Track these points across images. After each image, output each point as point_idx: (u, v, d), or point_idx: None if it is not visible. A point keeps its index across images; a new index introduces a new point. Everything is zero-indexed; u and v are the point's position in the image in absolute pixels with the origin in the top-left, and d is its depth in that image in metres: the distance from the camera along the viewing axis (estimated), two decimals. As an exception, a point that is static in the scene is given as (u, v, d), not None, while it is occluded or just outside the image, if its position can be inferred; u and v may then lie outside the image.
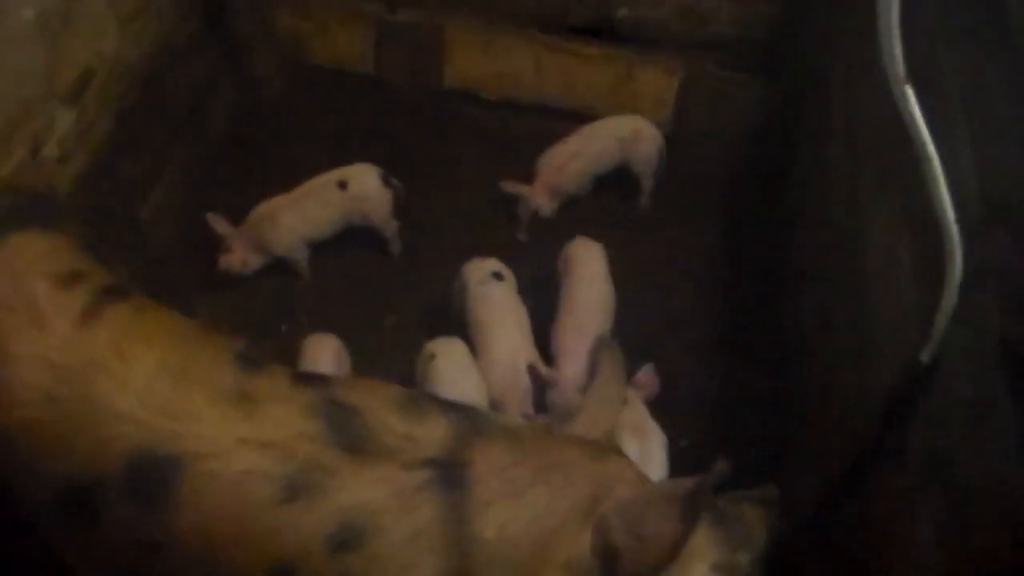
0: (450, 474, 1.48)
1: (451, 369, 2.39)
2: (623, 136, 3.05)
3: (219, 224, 2.79)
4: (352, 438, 1.49)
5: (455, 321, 2.66)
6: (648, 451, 2.27)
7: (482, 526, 1.46)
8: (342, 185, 2.85)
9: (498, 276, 2.65)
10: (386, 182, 2.90)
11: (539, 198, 3.01)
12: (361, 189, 2.87)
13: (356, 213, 2.89)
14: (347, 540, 1.43)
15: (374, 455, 1.48)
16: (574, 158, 3.03)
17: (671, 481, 1.56)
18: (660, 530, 1.50)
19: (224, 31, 3.10)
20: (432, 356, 2.42)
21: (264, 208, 2.84)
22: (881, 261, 1.92)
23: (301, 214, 2.83)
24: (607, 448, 1.67)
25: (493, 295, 2.60)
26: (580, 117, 3.22)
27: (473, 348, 2.53)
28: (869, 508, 1.65)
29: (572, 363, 2.47)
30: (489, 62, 3.30)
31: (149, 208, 2.80)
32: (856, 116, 2.33)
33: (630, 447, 2.20)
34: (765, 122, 3.18)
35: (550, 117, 3.31)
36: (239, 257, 2.83)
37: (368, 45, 3.37)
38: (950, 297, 1.41)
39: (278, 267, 2.90)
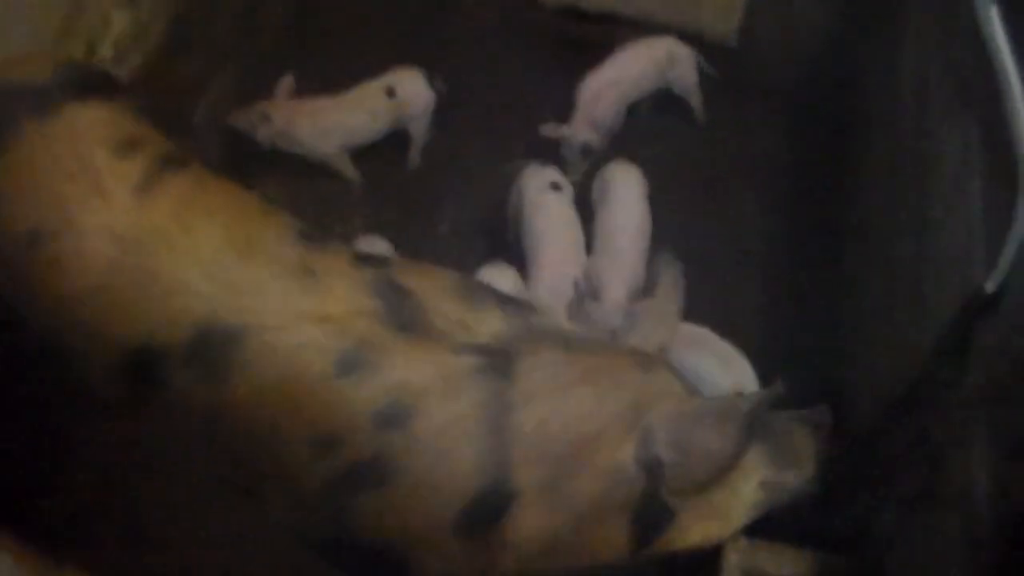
0: (498, 362, 1.51)
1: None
2: (659, 59, 2.95)
3: (253, 111, 2.76)
4: (406, 318, 1.52)
5: (509, 229, 2.66)
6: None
7: (524, 418, 1.49)
8: (390, 93, 2.82)
9: (556, 187, 2.63)
10: (431, 85, 2.87)
11: (583, 133, 2.88)
12: (409, 95, 2.83)
13: (402, 119, 2.86)
14: (392, 417, 1.47)
15: (426, 337, 1.51)
16: (612, 86, 2.92)
17: (723, 397, 1.56)
18: (708, 447, 1.51)
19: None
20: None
21: (290, 108, 2.78)
22: (950, 184, 1.88)
23: (345, 121, 2.80)
24: (657, 361, 1.68)
25: (550, 205, 2.59)
26: (642, 25, 3.14)
27: (525, 256, 2.53)
28: (922, 436, 1.63)
29: (613, 290, 2.45)
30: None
31: (203, 112, 2.80)
32: (934, 26, 2.25)
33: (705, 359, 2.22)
34: (838, 31, 3.09)
35: (611, 24, 3.21)
36: (276, 126, 2.77)
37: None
38: (1020, 226, 1.37)
39: (328, 170, 2.89)
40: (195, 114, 2.77)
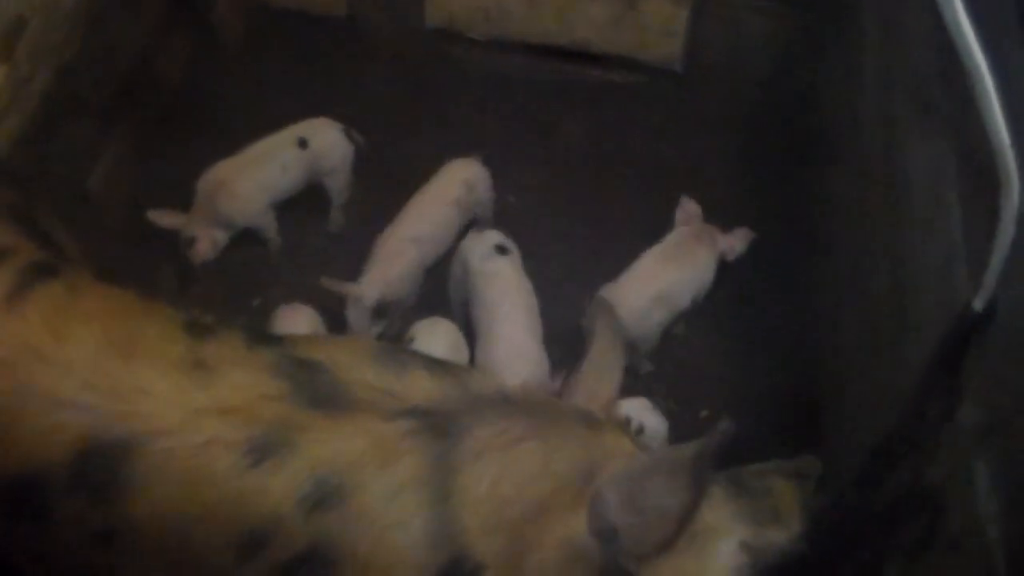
0: (435, 423, 1.48)
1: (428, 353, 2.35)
2: (459, 197, 2.80)
3: (165, 218, 2.72)
4: (321, 394, 1.48)
5: (453, 300, 2.65)
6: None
7: (472, 480, 1.45)
8: (302, 144, 2.80)
9: (502, 249, 2.60)
10: (349, 137, 2.87)
11: (374, 291, 2.62)
12: (322, 146, 2.83)
13: (318, 173, 2.85)
14: (323, 498, 1.42)
15: (348, 409, 1.47)
16: (412, 243, 2.71)
17: (669, 448, 1.54)
18: (661, 503, 1.48)
19: (175, -29, 3.05)
20: (411, 339, 2.41)
21: (213, 176, 2.75)
22: (924, 199, 1.89)
23: (258, 180, 2.76)
24: (602, 419, 1.66)
25: (501, 272, 2.55)
26: (578, 56, 3.17)
27: (475, 326, 2.51)
28: (921, 479, 1.62)
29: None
30: (475, -4, 3.24)
31: (99, 175, 2.76)
32: (892, 39, 2.30)
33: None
34: (787, 54, 3.14)
35: (544, 57, 3.26)
36: (206, 242, 2.75)
37: (340, -16, 3.31)
38: (1006, 234, 1.38)
39: (245, 237, 2.86)
40: (90, 178, 2.73)
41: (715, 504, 1.61)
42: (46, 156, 2.49)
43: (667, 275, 2.59)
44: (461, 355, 2.44)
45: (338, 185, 2.90)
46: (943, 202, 1.77)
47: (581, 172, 3.05)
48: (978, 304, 1.47)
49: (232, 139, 2.88)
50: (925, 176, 1.91)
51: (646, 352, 2.62)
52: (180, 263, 2.78)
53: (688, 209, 2.71)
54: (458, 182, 2.79)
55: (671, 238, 2.68)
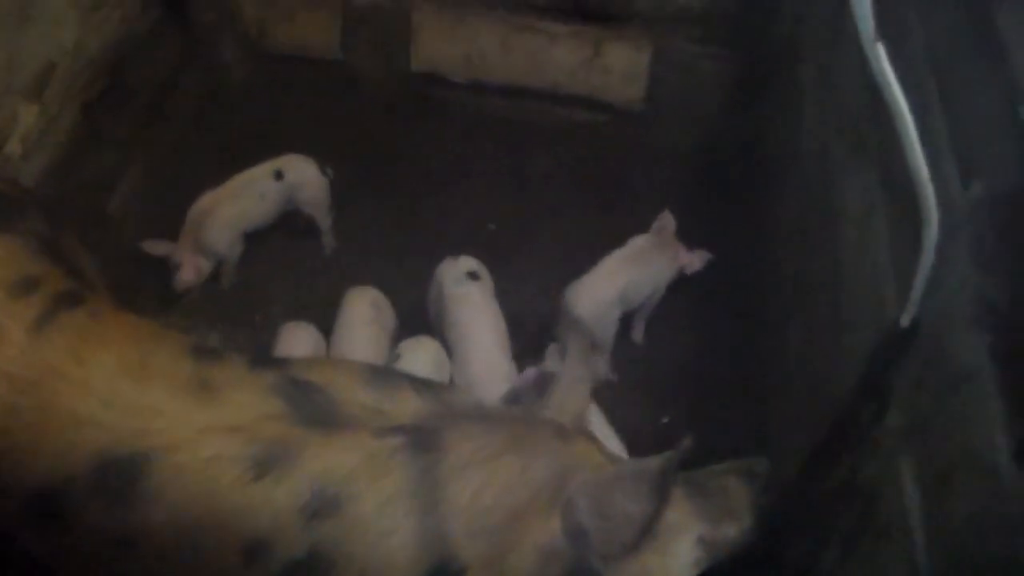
0: (421, 438, 1.48)
1: (414, 369, 2.35)
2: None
3: (157, 247, 2.73)
4: (318, 413, 1.48)
5: (432, 321, 2.64)
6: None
7: (457, 491, 1.45)
8: (278, 176, 2.83)
9: (473, 276, 2.61)
10: (322, 171, 2.89)
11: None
12: (297, 179, 2.85)
13: (292, 203, 2.88)
14: (321, 508, 1.42)
15: (342, 427, 1.47)
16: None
17: (638, 460, 1.55)
18: (628, 509, 1.49)
19: (187, 19, 3.06)
20: (397, 356, 2.41)
21: (200, 206, 2.78)
22: (856, 227, 1.92)
23: (238, 208, 2.79)
24: (574, 431, 1.67)
25: (470, 296, 2.57)
26: (548, 96, 3.20)
27: (449, 348, 2.51)
28: (855, 474, 1.64)
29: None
30: (456, 44, 3.27)
31: (117, 202, 2.77)
32: (827, 83, 2.33)
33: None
34: (737, 95, 3.17)
35: (518, 98, 3.29)
36: (191, 269, 2.76)
37: (334, 31, 3.33)
38: (927, 259, 1.41)
39: (249, 257, 2.87)
40: (109, 204, 2.73)
41: (675, 504, 1.61)
42: (71, 186, 2.50)
43: (628, 274, 2.61)
44: (444, 370, 2.45)
45: (319, 214, 2.93)
46: (872, 229, 1.79)
47: (551, 201, 3.08)
48: (904, 320, 1.50)
49: (236, 169, 2.89)
50: (857, 205, 1.93)
51: (604, 349, 2.63)
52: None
53: (665, 221, 2.73)
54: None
55: (636, 242, 2.70)
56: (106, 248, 2.61)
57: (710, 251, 2.74)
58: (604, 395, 2.48)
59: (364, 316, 2.53)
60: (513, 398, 1.90)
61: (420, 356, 2.41)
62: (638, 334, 2.78)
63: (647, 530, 1.52)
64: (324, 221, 2.94)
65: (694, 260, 2.71)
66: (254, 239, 2.90)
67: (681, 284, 2.77)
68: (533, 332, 2.69)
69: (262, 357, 1.68)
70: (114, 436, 1.44)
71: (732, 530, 1.71)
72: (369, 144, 3.21)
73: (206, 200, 2.78)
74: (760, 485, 1.77)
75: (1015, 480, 1.13)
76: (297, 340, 2.49)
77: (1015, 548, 1.09)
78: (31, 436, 1.46)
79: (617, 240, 2.72)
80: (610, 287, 2.57)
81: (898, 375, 1.54)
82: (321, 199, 2.90)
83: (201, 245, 2.75)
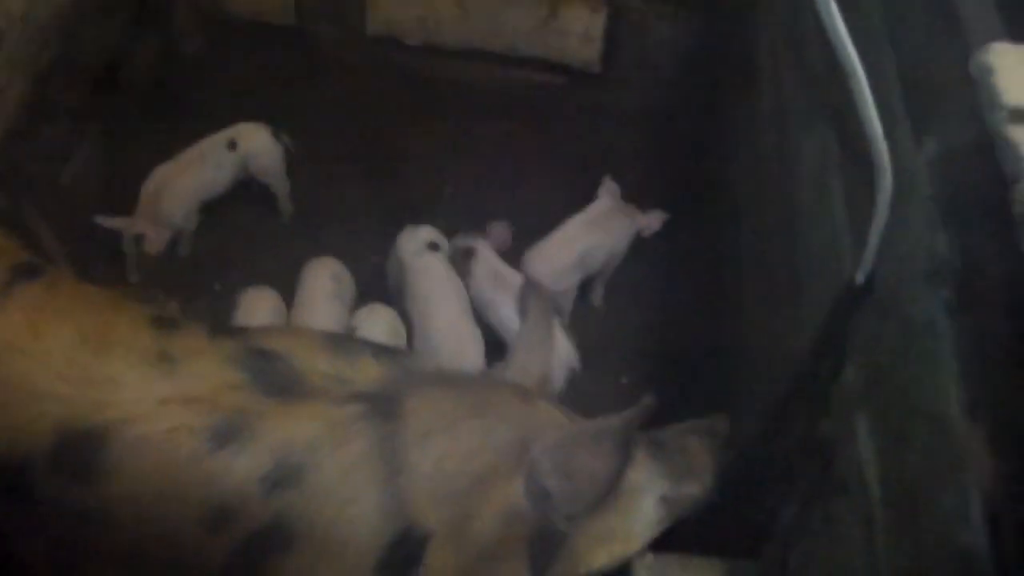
0: (382, 406, 1.47)
1: (370, 338, 2.34)
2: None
3: (111, 221, 2.67)
4: (278, 382, 1.47)
5: (392, 291, 2.64)
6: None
7: (419, 458, 1.45)
8: (232, 145, 2.80)
9: (434, 246, 2.60)
10: (276, 138, 2.86)
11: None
12: (251, 148, 2.82)
13: (247, 172, 2.85)
14: (282, 478, 1.41)
15: (303, 396, 1.47)
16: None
17: (599, 419, 1.56)
18: (590, 468, 1.50)
19: (138, -14, 3.00)
20: (353, 328, 2.40)
21: (155, 179, 2.73)
22: (812, 188, 1.93)
23: (194, 179, 2.76)
24: (535, 393, 1.67)
25: (431, 267, 2.56)
26: (505, 59, 3.18)
27: (410, 317, 2.50)
28: (813, 430, 1.66)
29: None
30: (411, 6, 3.24)
31: (70, 173, 2.72)
32: (784, 43, 2.33)
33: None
34: (694, 55, 3.17)
35: (475, 60, 3.26)
36: (157, 240, 2.71)
37: (288, -5, 3.27)
38: (881, 214, 1.41)
39: (206, 225, 2.84)
40: (63, 175, 2.69)
41: (637, 464, 1.63)
42: (22, 157, 2.45)
43: (588, 239, 2.62)
44: (399, 337, 2.44)
45: (275, 182, 2.90)
46: (828, 188, 1.80)
47: (510, 163, 3.07)
48: (859, 278, 1.51)
49: (192, 139, 2.86)
50: (812, 165, 1.94)
51: (564, 312, 2.64)
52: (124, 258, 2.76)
53: (609, 187, 2.74)
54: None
55: (594, 207, 2.71)
56: (60, 220, 2.57)
57: (668, 212, 2.75)
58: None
59: (325, 289, 2.51)
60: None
61: (376, 324, 2.41)
62: (597, 297, 2.79)
63: (610, 489, 1.53)
64: (280, 188, 2.91)
65: (651, 221, 2.72)
66: (211, 207, 2.86)
67: (639, 246, 2.78)
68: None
69: (222, 326, 1.67)
70: (73, 409, 1.43)
71: (694, 488, 1.73)
72: (326, 109, 3.18)
73: (161, 173, 2.74)
74: (721, 443, 1.79)
75: (967, 433, 1.14)
76: (258, 305, 2.47)
77: (966, 502, 1.10)
78: None
79: (575, 203, 2.73)
80: (569, 251, 2.57)
81: (854, 332, 1.56)
82: (276, 167, 2.87)
83: (159, 218, 2.71)
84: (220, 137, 2.82)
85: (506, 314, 2.47)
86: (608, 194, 2.74)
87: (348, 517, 1.43)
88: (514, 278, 2.54)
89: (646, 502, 1.66)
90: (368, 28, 3.30)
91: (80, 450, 1.42)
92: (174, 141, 2.88)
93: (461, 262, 2.63)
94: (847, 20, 1.40)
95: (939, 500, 1.16)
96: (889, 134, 1.42)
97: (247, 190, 2.92)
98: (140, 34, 3.06)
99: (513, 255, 2.67)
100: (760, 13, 2.59)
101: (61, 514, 1.47)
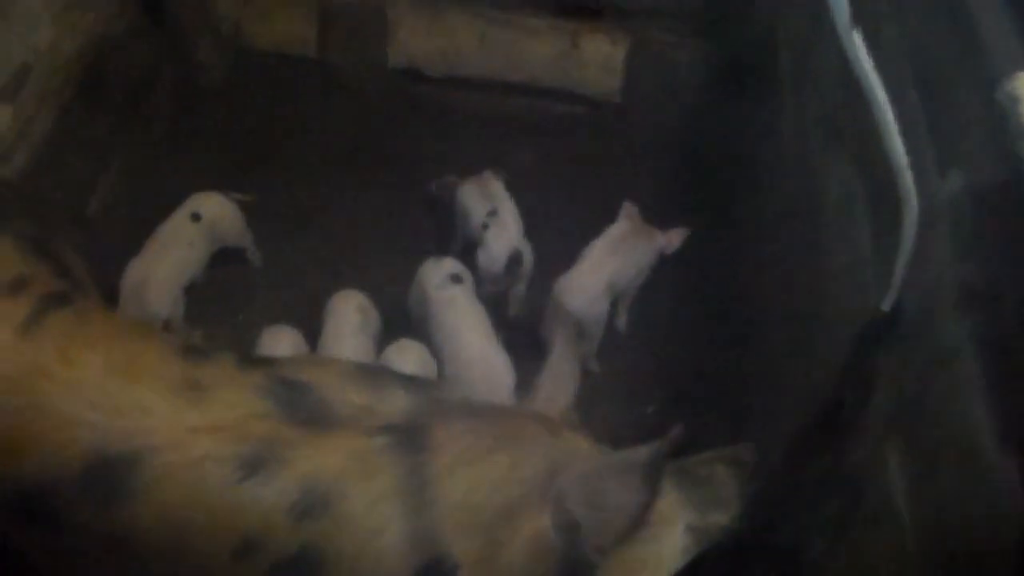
0: (410, 437, 1.47)
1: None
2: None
3: None
4: (306, 413, 1.48)
5: (414, 323, 2.64)
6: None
7: (447, 490, 1.45)
8: (195, 217, 2.72)
9: (456, 279, 2.60)
10: (230, 198, 2.82)
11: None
12: (214, 215, 2.76)
13: (218, 240, 2.80)
14: (310, 507, 1.41)
15: (331, 426, 1.47)
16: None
17: (628, 451, 1.55)
18: (619, 500, 1.49)
19: (163, 19, 3.04)
20: (384, 364, 2.39)
21: (131, 277, 2.60)
22: (836, 215, 1.93)
23: (171, 263, 2.65)
24: (562, 424, 1.67)
25: (455, 299, 2.55)
26: (526, 90, 3.20)
27: (438, 350, 2.49)
28: (840, 461, 1.65)
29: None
30: (433, 39, 3.27)
31: (96, 203, 2.75)
32: (805, 73, 2.34)
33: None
34: (714, 86, 3.17)
35: (496, 92, 3.29)
36: None
37: (310, 28, 3.32)
38: (907, 243, 1.42)
39: (228, 256, 2.86)
40: (89, 206, 2.72)
41: (664, 494, 1.62)
42: (48, 188, 2.48)
43: (614, 262, 2.62)
44: (430, 371, 2.44)
45: (242, 240, 2.87)
46: (852, 217, 1.81)
47: (531, 193, 3.07)
48: (886, 305, 1.51)
49: (216, 168, 2.88)
50: (837, 194, 1.94)
51: (595, 339, 2.64)
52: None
53: (628, 211, 2.75)
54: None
55: (613, 230, 2.71)
56: (86, 250, 2.59)
57: (691, 251, 2.75)
58: (587, 387, 2.48)
59: (351, 324, 2.51)
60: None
61: (406, 360, 2.40)
62: (622, 322, 2.79)
63: (639, 520, 1.53)
64: (246, 244, 2.88)
65: (672, 238, 2.72)
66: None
67: (662, 275, 2.78)
68: (517, 320, 2.71)
69: (250, 356, 1.68)
70: (103, 436, 1.43)
71: (721, 518, 1.71)
72: (348, 141, 3.20)
73: (136, 268, 2.61)
74: (747, 473, 1.78)
75: (1000, 462, 1.14)
76: (279, 344, 2.46)
77: (1001, 532, 1.10)
78: (20, 437, 1.45)
79: (597, 229, 2.73)
80: (599, 277, 2.58)
81: (881, 360, 1.55)
82: (239, 226, 2.84)
83: (146, 313, 2.56)
84: (181, 215, 2.73)
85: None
86: (627, 217, 2.74)
87: (376, 548, 1.43)
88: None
89: (673, 532, 1.65)
90: (389, 60, 3.33)
91: (109, 477, 1.42)
92: (197, 171, 2.91)
93: (440, 194, 2.81)
94: (870, 49, 1.41)
95: (973, 531, 1.16)
96: (913, 163, 1.42)
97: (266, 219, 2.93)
98: (164, 65, 3.10)
99: (537, 282, 2.68)
100: (780, 41, 2.60)
101: (89, 541, 1.48)
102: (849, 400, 1.65)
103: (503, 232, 2.70)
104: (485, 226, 2.71)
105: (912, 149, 1.43)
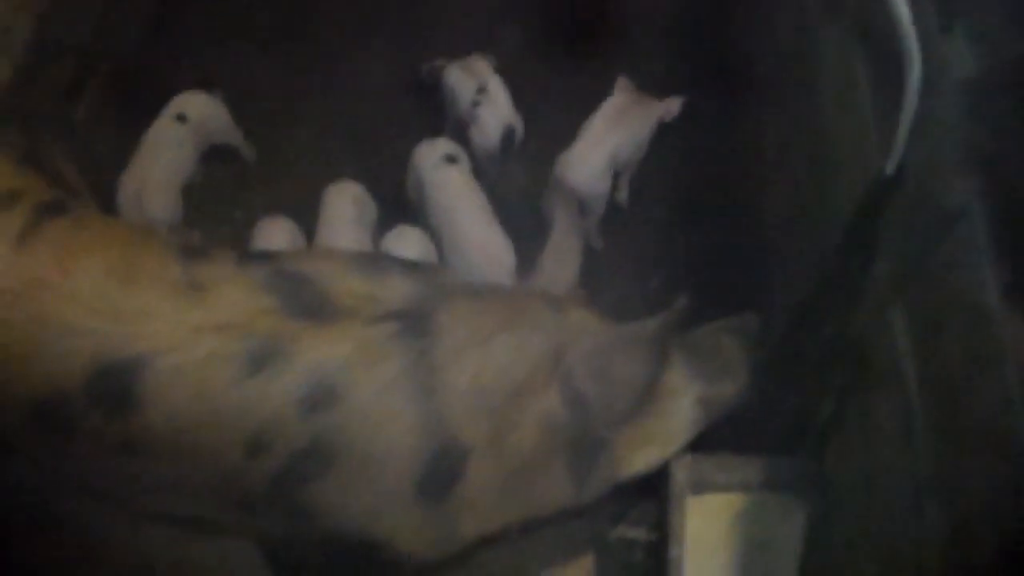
0: (416, 323, 1.48)
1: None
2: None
3: None
4: (309, 304, 1.48)
5: (412, 205, 2.62)
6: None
7: (455, 373, 1.46)
8: (181, 118, 2.68)
9: (451, 159, 2.56)
10: (212, 94, 2.78)
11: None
12: (199, 114, 2.72)
13: (206, 139, 2.76)
14: (319, 399, 1.43)
15: (335, 317, 1.47)
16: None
17: (634, 324, 1.56)
18: (627, 373, 1.51)
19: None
20: (384, 251, 2.38)
21: (128, 184, 2.55)
22: (836, 79, 1.90)
23: (164, 167, 2.61)
24: (567, 300, 1.67)
25: (452, 180, 2.52)
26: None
27: (437, 233, 2.48)
28: (846, 325, 1.66)
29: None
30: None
31: (83, 112, 2.72)
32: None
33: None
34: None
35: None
36: None
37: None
38: (910, 104, 1.39)
39: (224, 155, 2.83)
40: (76, 113, 2.68)
41: (671, 366, 1.64)
42: (35, 95, 2.44)
43: (614, 136, 2.58)
44: (431, 256, 2.43)
45: (230, 137, 2.83)
46: (853, 79, 1.77)
47: (526, 63, 3.02)
48: (889, 168, 1.49)
49: (205, 61, 2.85)
50: (836, 56, 1.91)
51: (597, 215, 2.62)
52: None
53: (622, 84, 2.70)
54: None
55: (610, 104, 2.65)
56: (80, 155, 2.57)
57: (688, 116, 2.71)
58: (590, 263, 2.49)
59: (346, 215, 2.49)
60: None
61: (407, 246, 2.39)
62: (624, 197, 2.77)
63: (647, 393, 1.54)
64: (236, 140, 2.85)
65: (670, 105, 2.68)
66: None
67: (661, 145, 2.74)
68: (515, 194, 2.70)
69: (249, 253, 1.67)
70: (107, 342, 1.44)
71: (729, 388, 1.74)
72: (336, 28, 3.13)
73: (129, 178, 2.56)
74: (753, 341, 1.80)
75: (1005, 319, 1.14)
76: (274, 235, 2.45)
77: (1006, 387, 1.11)
78: (24, 349, 1.46)
79: (593, 107, 2.69)
80: (600, 152, 2.54)
81: (885, 224, 1.55)
82: (226, 122, 2.80)
83: (148, 222, 2.50)
84: (165, 118, 2.69)
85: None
86: (621, 90, 2.70)
87: (386, 435, 1.45)
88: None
89: (683, 404, 1.67)
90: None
91: (116, 382, 1.44)
92: (185, 66, 2.87)
93: (430, 78, 2.85)
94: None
95: (979, 388, 1.17)
96: (916, 21, 1.39)
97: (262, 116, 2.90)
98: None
99: (536, 162, 2.66)
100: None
101: (101, 448, 1.50)
102: (853, 265, 1.64)
103: (494, 108, 2.67)
104: (476, 103, 2.68)
105: (914, 3, 1.39)
